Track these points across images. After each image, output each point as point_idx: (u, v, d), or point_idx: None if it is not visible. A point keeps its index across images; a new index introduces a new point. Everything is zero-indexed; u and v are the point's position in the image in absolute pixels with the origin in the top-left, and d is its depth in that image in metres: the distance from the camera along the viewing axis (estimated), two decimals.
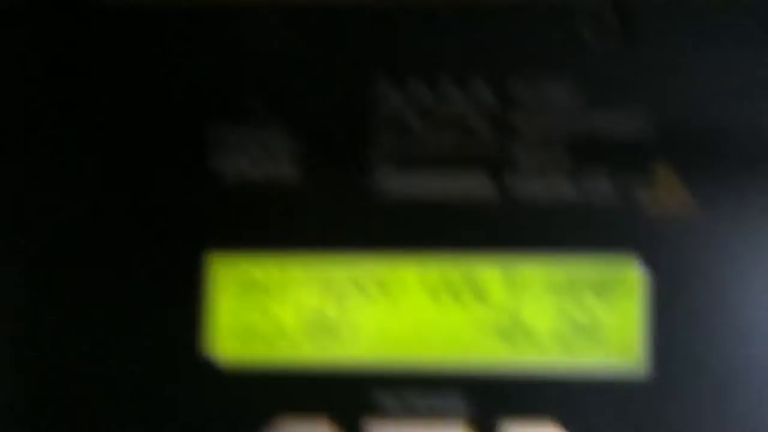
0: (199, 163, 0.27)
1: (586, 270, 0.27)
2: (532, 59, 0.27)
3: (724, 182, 0.27)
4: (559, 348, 0.27)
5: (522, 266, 0.27)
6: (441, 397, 0.27)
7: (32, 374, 0.27)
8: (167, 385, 0.27)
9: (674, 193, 0.27)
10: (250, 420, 0.27)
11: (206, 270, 0.27)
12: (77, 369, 0.27)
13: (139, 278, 0.27)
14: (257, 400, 0.27)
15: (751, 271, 0.27)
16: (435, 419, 0.27)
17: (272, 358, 0.27)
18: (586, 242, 0.27)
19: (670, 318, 0.27)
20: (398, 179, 0.27)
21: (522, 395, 0.27)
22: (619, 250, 0.27)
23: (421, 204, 0.27)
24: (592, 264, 0.27)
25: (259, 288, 0.27)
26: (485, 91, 0.27)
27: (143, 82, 0.28)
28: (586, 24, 0.27)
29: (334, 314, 0.27)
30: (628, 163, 0.27)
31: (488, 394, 0.27)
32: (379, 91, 0.27)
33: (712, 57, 0.27)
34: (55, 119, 0.27)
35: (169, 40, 0.28)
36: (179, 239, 0.27)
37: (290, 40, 0.27)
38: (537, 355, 0.27)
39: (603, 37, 0.27)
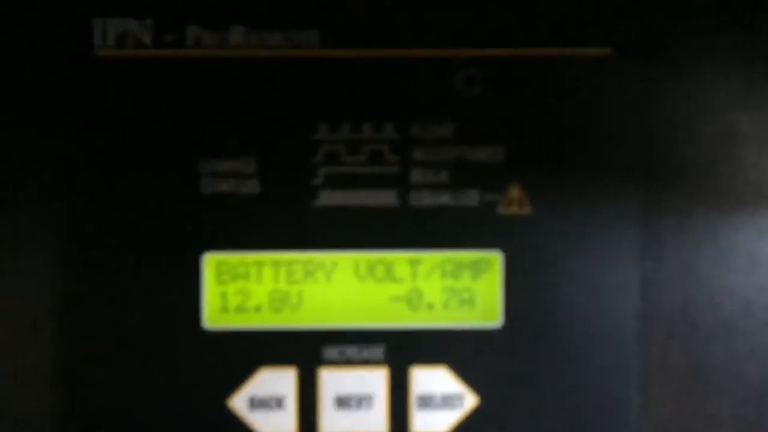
0: (193, 189, 0.34)
1: (462, 256, 0.34)
2: (424, 107, 0.34)
3: (555, 192, 0.34)
4: (446, 311, 0.34)
5: (419, 254, 0.34)
6: (369, 350, 0.34)
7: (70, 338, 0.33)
8: (175, 345, 0.34)
9: (520, 201, 0.33)
10: (234, 371, 0.34)
11: (201, 263, 0.34)
12: (105, 330, 0.34)
13: (157, 269, 0.34)
14: (239, 356, 0.34)
15: (573, 253, 0.33)
16: (366, 367, 0.34)
17: (249, 326, 0.34)
18: (461, 236, 0.34)
19: (518, 287, 0.33)
20: (333, 195, 0.34)
21: (422, 346, 0.33)
22: (483, 242, 0.33)
23: (349, 212, 0.34)
24: (466, 251, 0.34)
25: (238, 275, 0.34)
26: (393, 131, 0.34)
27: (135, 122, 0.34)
28: (461, 80, 0.34)
29: (292, 292, 0.34)
30: (489, 181, 0.34)
31: (400, 346, 0.34)
32: (321, 133, 0.34)
33: (551, 102, 0.33)
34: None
35: (153, 87, 0.33)
36: (182, 242, 0.34)
37: (258, 90, 0.34)
38: (432, 317, 0.34)
39: (472, 89, 0.34)
